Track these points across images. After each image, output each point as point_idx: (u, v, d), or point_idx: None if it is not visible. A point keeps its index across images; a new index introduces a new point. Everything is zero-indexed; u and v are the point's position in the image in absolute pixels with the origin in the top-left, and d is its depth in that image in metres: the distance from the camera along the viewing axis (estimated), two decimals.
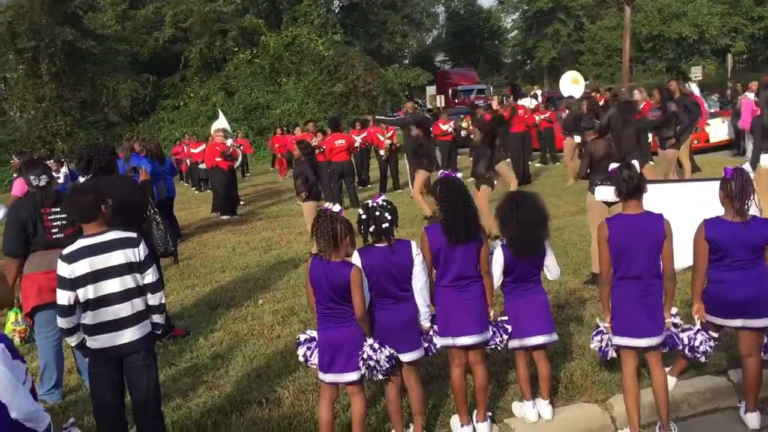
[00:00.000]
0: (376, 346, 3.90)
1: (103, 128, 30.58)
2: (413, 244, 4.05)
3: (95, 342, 3.90)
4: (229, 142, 15.16)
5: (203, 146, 17.77)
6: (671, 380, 4.48)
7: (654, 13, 38.32)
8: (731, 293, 4.11)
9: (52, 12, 28.80)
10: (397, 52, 47.09)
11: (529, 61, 63.08)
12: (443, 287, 4.18)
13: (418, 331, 4.12)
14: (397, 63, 39.54)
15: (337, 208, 3.92)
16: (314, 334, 4.08)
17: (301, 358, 4.16)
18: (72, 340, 3.97)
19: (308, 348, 4.08)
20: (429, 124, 12.96)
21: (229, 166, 13.98)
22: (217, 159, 13.96)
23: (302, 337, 4.14)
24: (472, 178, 9.53)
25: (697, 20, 34.32)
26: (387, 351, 3.92)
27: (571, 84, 17.74)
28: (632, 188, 4.02)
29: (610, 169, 4.17)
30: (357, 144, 15.41)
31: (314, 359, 4.04)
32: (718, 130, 16.47)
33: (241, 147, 17.31)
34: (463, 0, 68.98)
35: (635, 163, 4.19)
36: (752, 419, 4.26)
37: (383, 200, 4.04)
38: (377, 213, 3.94)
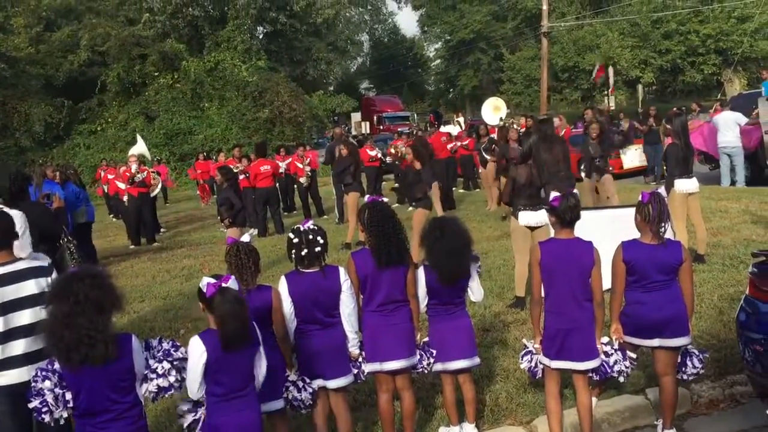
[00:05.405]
0: (300, 384, 3.84)
1: (14, 154, 29.25)
2: (341, 269, 4.03)
3: (3, 378, 3.66)
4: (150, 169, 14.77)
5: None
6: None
7: (569, 45, 39.84)
8: (649, 314, 4.22)
9: None
10: (321, 79, 47.07)
11: (451, 89, 64.31)
12: (371, 312, 4.16)
13: (347, 356, 4.07)
14: (321, 89, 39.44)
15: (246, 238, 3.87)
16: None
17: None
18: None
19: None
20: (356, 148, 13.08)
21: (140, 192, 13.55)
22: (120, 185, 13.84)
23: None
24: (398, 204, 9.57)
25: (609, 53, 35.85)
26: (311, 388, 3.86)
27: (492, 112, 18.17)
28: (574, 217, 4.17)
29: (551, 198, 4.28)
30: (282, 170, 15.31)
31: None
32: (630, 157, 17.16)
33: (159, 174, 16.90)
34: (387, 29, 70.07)
35: (576, 191, 4.34)
36: None
37: (314, 224, 4.01)
38: (310, 237, 3.90)
